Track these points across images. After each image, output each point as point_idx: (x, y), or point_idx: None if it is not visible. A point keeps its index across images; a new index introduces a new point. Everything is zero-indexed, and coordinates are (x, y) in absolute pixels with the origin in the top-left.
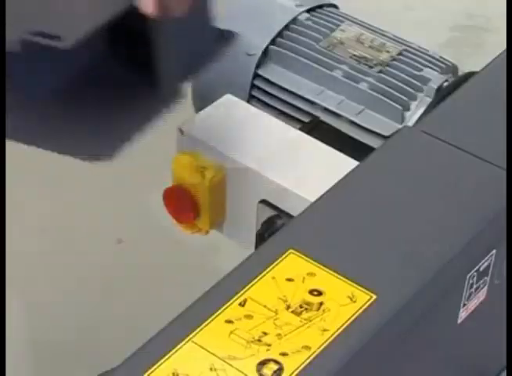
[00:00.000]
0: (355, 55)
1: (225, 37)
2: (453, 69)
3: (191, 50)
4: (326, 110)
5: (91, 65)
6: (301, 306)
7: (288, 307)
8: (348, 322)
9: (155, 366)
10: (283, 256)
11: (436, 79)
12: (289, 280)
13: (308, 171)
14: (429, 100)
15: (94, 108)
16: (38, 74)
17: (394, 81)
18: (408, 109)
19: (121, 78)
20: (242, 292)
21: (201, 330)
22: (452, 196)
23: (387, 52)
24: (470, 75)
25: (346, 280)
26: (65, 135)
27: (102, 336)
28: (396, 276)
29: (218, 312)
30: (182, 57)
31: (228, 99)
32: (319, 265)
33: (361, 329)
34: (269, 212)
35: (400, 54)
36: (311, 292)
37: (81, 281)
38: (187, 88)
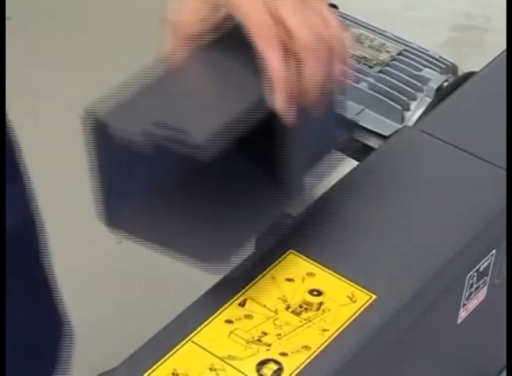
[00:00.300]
0: (354, 55)
1: (349, 124)
2: (453, 69)
3: (316, 141)
4: None
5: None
6: (300, 306)
7: (288, 307)
8: (348, 322)
9: (155, 366)
10: (283, 256)
11: (436, 79)
12: (289, 280)
13: None
14: (429, 100)
15: (213, 205)
16: (156, 166)
17: (394, 81)
18: (408, 109)
19: (242, 173)
20: (242, 292)
21: (201, 330)
22: (452, 196)
23: (387, 52)
24: (470, 75)
25: (346, 280)
26: (181, 234)
27: (102, 336)
28: (396, 276)
29: (217, 312)
30: (308, 149)
31: None
32: (318, 265)
33: (361, 329)
34: None
35: (400, 54)
36: (311, 292)
37: (80, 281)
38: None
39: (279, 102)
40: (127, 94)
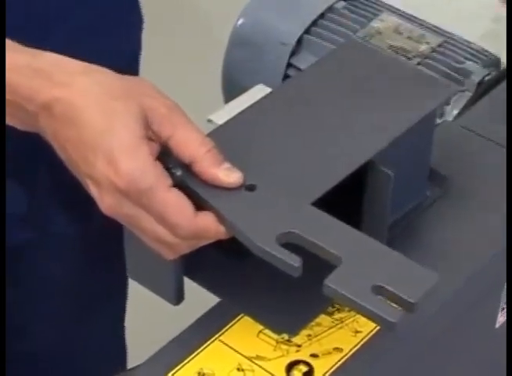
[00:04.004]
0: (392, 46)
1: (438, 179)
2: (496, 62)
3: (404, 195)
4: None
5: None
6: (333, 306)
7: None
8: None
9: (181, 365)
10: None
11: (478, 72)
12: None
13: None
14: (470, 94)
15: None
16: None
17: (433, 73)
18: (447, 103)
19: None
20: None
21: (229, 328)
22: (494, 195)
23: (427, 43)
24: None
25: None
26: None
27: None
28: None
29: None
30: (396, 206)
31: (260, 89)
32: None
33: (395, 331)
34: None
35: (440, 45)
36: None
37: None
38: None
39: None
40: None
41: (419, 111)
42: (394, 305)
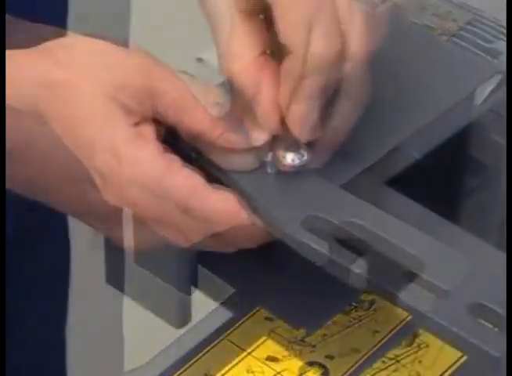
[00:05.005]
0: (416, 23)
1: (476, 167)
2: None
3: (440, 181)
4: None
5: None
6: (350, 304)
7: None
8: (402, 323)
9: (185, 367)
10: None
11: None
12: None
13: None
14: (500, 76)
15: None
16: None
17: None
18: None
19: None
20: None
21: (238, 327)
22: None
23: (454, 20)
24: None
25: None
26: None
27: (127, 331)
28: None
29: (257, 308)
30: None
31: None
32: None
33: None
34: None
35: (468, 23)
36: None
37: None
38: None
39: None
40: None
41: (456, 93)
42: (426, 293)
